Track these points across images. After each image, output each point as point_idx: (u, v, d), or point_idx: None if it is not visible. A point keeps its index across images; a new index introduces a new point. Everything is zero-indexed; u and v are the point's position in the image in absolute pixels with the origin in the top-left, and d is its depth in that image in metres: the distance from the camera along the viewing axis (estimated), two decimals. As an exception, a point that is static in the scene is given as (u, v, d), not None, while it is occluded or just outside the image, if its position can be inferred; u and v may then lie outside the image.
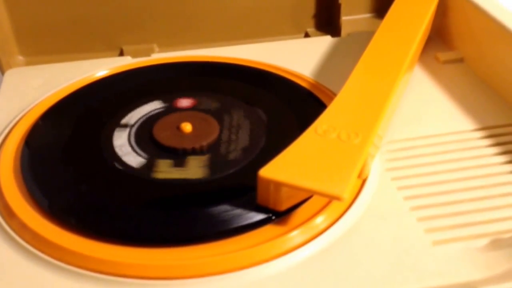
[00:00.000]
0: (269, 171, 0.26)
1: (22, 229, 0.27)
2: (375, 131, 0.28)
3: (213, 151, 0.31)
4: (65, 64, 0.41)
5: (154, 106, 0.35)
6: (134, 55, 0.43)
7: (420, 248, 0.26)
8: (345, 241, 0.27)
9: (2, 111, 0.36)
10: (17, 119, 0.35)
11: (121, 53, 0.45)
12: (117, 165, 0.30)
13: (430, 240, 0.27)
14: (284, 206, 0.27)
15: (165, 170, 0.30)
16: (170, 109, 0.35)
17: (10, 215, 0.28)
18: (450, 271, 0.25)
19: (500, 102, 0.36)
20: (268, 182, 0.26)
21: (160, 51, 0.46)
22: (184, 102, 0.35)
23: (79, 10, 0.43)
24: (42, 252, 0.26)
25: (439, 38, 0.43)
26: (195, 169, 0.30)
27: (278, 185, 0.26)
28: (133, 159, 0.31)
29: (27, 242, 0.27)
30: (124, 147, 0.32)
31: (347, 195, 0.25)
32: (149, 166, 0.30)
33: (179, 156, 0.31)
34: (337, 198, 0.25)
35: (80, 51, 0.45)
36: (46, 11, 0.43)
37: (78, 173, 0.30)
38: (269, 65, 0.40)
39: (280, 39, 0.47)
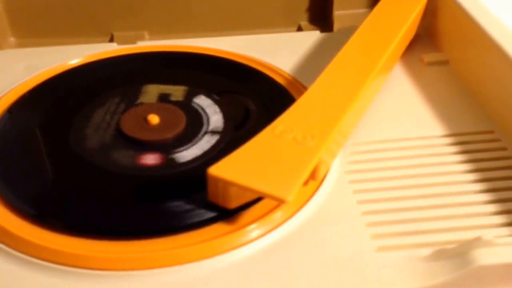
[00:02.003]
0: (218, 169, 0.26)
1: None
2: (332, 134, 0.28)
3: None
4: (49, 48, 0.42)
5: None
6: (123, 41, 0.44)
7: (364, 254, 0.26)
8: (291, 242, 0.27)
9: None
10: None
11: (111, 39, 0.46)
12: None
13: (375, 246, 0.27)
14: (233, 205, 0.27)
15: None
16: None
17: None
18: (388, 279, 0.25)
19: (476, 109, 0.36)
20: (217, 180, 0.26)
21: (150, 39, 0.46)
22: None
23: (73, -6, 0.44)
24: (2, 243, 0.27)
25: (429, 38, 0.43)
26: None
27: (226, 184, 0.26)
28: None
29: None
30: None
31: (291, 199, 0.25)
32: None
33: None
34: (282, 201, 0.25)
35: (72, 36, 0.45)
36: (39, -6, 0.44)
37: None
38: (249, 58, 0.40)
39: (272, 32, 0.47)
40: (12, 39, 0.45)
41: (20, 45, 0.45)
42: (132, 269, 0.26)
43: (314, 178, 0.29)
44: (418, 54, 0.41)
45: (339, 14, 0.47)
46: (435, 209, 0.29)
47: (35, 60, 0.40)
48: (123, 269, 0.26)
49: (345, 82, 0.32)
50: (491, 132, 0.34)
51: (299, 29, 0.48)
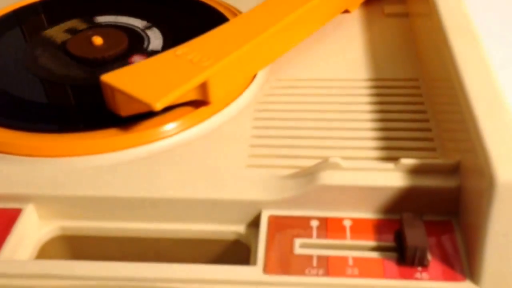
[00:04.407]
0: (109, 77, 0.30)
1: None
2: (227, 59, 0.31)
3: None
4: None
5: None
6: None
7: (235, 167, 0.29)
8: (174, 152, 0.30)
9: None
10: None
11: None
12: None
13: (246, 163, 0.29)
14: (123, 112, 0.30)
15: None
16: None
17: None
18: (241, 189, 0.27)
19: (412, 59, 0.36)
20: (105, 86, 0.30)
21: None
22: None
23: None
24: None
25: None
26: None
27: (112, 89, 0.29)
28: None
29: None
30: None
31: (160, 106, 0.28)
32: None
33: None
34: (149, 106, 0.28)
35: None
36: None
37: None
38: (219, 3, 0.42)
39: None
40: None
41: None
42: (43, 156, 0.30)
43: (206, 98, 0.31)
44: (383, 5, 0.41)
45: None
46: (314, 139, 0.30)
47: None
48: (38, 156, 0.30)
49: (263, 19, 0.34)
50: (416, 79, 0.34)
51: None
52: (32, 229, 0.28)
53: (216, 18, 0.40)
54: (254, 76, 0.34)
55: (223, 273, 0.25)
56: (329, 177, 0.26)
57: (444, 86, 0.30)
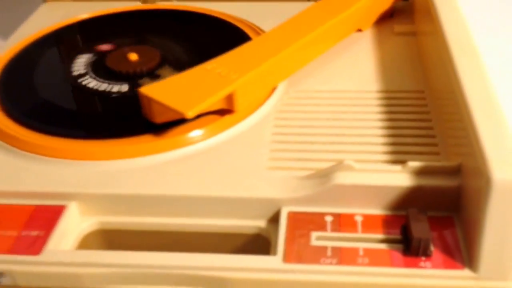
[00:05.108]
0: (147, 89, 0.33)
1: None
2: (252, 73, 0.34)
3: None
4: (86, 3, 0.50)
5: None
6: (152, 1, 0.51)
7: (256, 169, 0.32)
8: (201, 155, 0.33)
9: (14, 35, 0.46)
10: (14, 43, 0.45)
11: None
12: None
13: (267, 166, 0.32)
14: (158, 120, 0.33)
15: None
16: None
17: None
18: (263, 189, 0.30)
19: (419, 73, 0.39)
20: (143, 97, 0.33)
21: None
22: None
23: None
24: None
25: (410, 11, 0.46)
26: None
27: (149, 99, 0.33)
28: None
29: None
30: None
31: (192, 114, 0.31)
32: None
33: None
34: (182, 115, 0.31)
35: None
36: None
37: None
38: (239, 19, 0.46)
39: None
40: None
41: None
42: (78, 159, 0.33)
43: (232, 107, 0.34)
44: (393, 25, 0.45)
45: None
46: (330, 144, 0.33)
47: (70, 11, 0.49)
48: (73, 159, 0.33)
49: (284, 37, 0.37)
50: (422, 91, 0.37)
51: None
52: (74, 224, 0.31)
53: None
54: (275, 88, 0.38)
55: (246, 262, 0.28)
56: (343, 178, 0.29)
57: (448, 97, 0.33)
